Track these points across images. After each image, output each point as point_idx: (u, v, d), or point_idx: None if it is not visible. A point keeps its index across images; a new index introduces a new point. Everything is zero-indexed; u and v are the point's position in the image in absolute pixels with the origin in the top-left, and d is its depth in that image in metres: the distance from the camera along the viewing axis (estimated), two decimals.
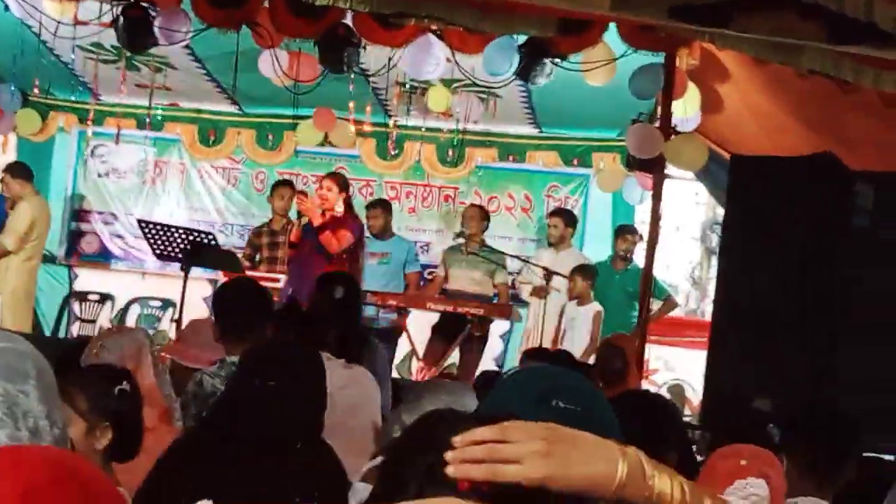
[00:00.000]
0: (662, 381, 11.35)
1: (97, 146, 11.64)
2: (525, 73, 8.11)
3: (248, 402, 2.98)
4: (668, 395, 10.05)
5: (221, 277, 9.17)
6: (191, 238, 8.28)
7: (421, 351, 9.28)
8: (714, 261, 10.58)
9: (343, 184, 8.97)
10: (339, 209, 8.77)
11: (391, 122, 10.58)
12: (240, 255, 9.49)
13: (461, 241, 9.57)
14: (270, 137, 11.27)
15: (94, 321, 10.37)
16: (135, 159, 11.66)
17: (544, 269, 9.19)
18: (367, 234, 9.35)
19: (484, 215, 9.75)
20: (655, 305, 9.31)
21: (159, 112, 11.14)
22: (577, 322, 9.16)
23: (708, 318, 10.37)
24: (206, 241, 8.32)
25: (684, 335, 11.44)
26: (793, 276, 6.61)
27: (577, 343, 8.93)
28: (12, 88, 10.48)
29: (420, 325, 9.41)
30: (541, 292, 9.19)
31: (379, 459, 2.90)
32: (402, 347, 9.47)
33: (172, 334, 8.58)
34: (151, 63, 10.11)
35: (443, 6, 7.47)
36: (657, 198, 8.51)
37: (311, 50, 8.35)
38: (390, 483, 1.45)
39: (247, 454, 2.74)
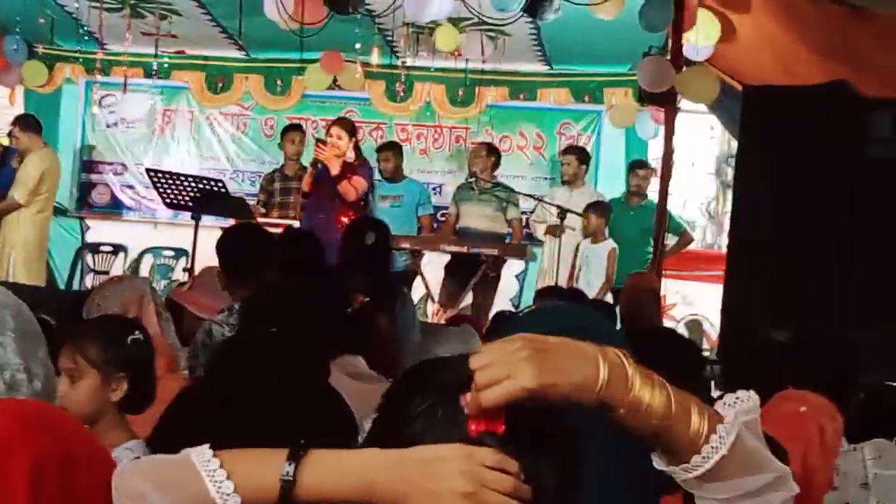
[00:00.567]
0: (681, 316, 11.29)
1: (105, 96, 11.58)
2: (533, 8, 8.01)
3: (249, 349, 2.94)
4: (686, 331, 10.03)
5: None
6: (200, 186, 8.25)
7: (436, 294, 9.24)
8: (730, 194, 10.48)
9: (351, 129, 8.88)
10: (351, 155, 8.71)
11: (399, 64, 10.47)
12: (252, 202, 9.46)
13: (472, 179, 9.50)
14: (279, 83, 11.19)
15: (107, 272, 10.35)
16: (143, 108, 11.61)
17: (558, 207, 9.11)
18: (378, 177, 9.29)
19: (491, 151, 9.64)
20: (671, 241, 9.25)
21: (166, 60, 11.06)
22: (591, 260, 9.09)
23: (724, 251, 10.31)
24: (215, 188, 8.29)
25: (701, 269, 11.38)
26: (808, 208, 6.52)
27: (593, 281, 8.89)
28: (17, 39, 10.41)
29: (434, 267, 9.36)
30: (555, 231, 9.12)
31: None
32: (417, 290, 9.43)
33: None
34: (157, 10, 10.03)
35: None
36: (669, 132, 8.43)
37: None
38: (388, 424, 1.43)
39: (251, 402, 2.70)
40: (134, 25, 10.13)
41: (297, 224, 8.82)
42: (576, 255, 9.18)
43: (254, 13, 8.71)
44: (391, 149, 9.82)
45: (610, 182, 10.34)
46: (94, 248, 10.68)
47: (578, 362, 1.35)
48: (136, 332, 3.01)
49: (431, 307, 9.33)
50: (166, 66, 11.15)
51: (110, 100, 11.57)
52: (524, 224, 9.87)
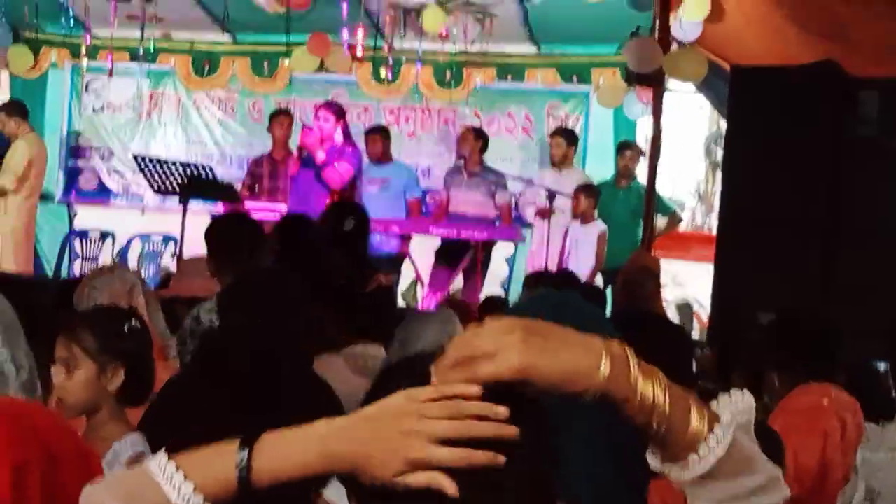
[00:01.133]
0: (672, 297, 11.29)
1: (91, 80, 11.52)
2: None
3: (230, 335, 2.94)
4: (676, 314, 10.03)
5: (223, 211, 9.10)
6: (188, 171, 8.23)
7: (426, 278, 9.23)
8: (719, 175, 10.48)
9: (339, 112, 8.86)
10: (339, 139, 8.69)
11: (385, 46, 10.43)
12: (240, 186, 9.42)
13: (461, 163, 9.47)
14: (266, 65, 11.14)
15: (95, 259, 10.31)
16: (130, 93, 11.56)
17: (547, 189, 9.10)
18: (366, 160, 9.26)
19: (478, 135, 9.61)
20: (661, 223, 9.24)
21: (152, 43, 11.00)
22: (581, 242, 9.08)
23: (714, 232, 10.30)
24: (203, 174, 8.27)
25: (692, 249, 11.38)
26: (796, 188, 6.51)
27: (583, 263, 8.87)
28: (2, 24, 10.34)
29: (423, 251, 9.35)
30: (545, 213, 9.11)
31: None
32: (406, 274, 9.41)
33: (174, 269, 8.54)
34: None
35: None
36: (658, 112, 8.41)
37: None
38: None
39: (229, 389, 2.70)
40: (119, 8, 10.06)
41: (284, 208, 8.81)
42: (565, 238, 9.17)
43: None
44: (379, 132, 9.79)
45: (599, 163, 10.33)
46: (82, 235, 10.63)
47: (576, 351, 1.33)
48: (133, 321, 2.99)
49: (421, 291, 9.32)
50: (152, 49, 11.08)
51: (97, 84, 11.51)
52: (514, 206, 9.86)
